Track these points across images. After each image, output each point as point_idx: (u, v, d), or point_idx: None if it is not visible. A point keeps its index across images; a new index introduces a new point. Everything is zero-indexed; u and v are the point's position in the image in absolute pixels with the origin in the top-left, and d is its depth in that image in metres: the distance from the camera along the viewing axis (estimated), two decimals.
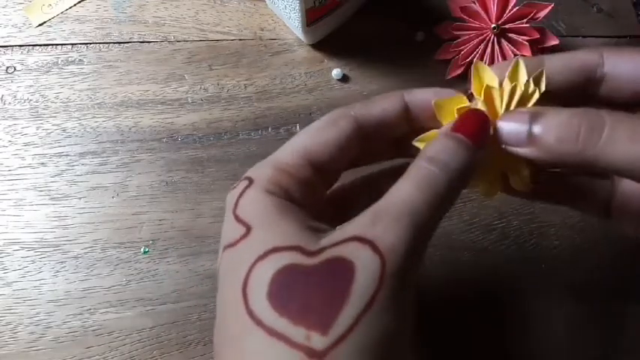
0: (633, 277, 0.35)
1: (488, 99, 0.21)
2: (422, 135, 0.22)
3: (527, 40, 0.36)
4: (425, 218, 0.18)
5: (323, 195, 0.23)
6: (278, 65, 0.39)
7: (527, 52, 0.36)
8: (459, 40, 0.38)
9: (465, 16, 0.37)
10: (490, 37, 0.37)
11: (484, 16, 0.37)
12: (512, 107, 0.21)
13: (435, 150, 0.19)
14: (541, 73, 0.21)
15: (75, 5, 0.40)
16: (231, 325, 0.18)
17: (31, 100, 0.37)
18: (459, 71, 0.38)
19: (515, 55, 0.37)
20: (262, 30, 0.40)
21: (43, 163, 0.36)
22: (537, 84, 0.21)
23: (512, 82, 0.21)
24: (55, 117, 0.37)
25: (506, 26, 0.36)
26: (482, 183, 0.22)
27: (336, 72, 0.39)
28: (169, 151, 0.36)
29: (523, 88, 0.21)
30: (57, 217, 0.34)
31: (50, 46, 0.39)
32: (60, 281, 0.33)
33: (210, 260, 0.34)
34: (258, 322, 0.17)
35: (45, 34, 0.39)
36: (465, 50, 0.37)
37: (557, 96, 0.22)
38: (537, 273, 0.35)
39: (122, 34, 0.40)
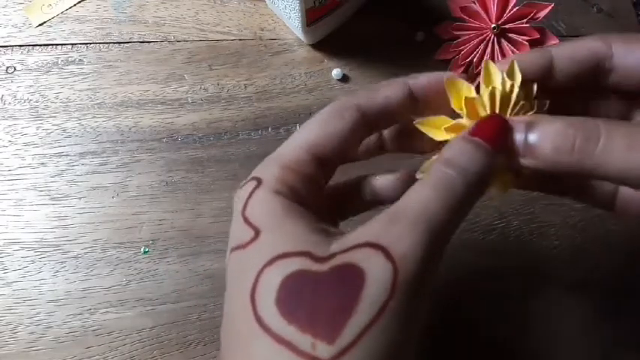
0: (633, 277, 0.35)
1: (471, 110, 0.21)
2: (425, 118, 0.21)
3: (527, 40, 0.36)
4: (442, 223, 0.17)
5: (324, 190, 0.23)
6: (278, 65, 0.39)
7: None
8: (459, 40, 0.38)
9: (465, 16, 0.37)
10: (490, 37, 0.37)
11: (484, 16, 0.37)
12: (497, 110, 0.21)
13: (453, 153, 0.19)
14: (512, 65, 0.21)
15: (75, 5, 0.40)
16: (239, 330, 0.17)
17: (31, 100, 0.37)
18: (459, 71, 0.38)
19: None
20: (262, 30, 0.40)
21: (43, 163, 0.36)
22: (512, 77, 0.21)
23: (487, 86, 0.21)
24: (55, 117, 0.37)
25: (506, 26, 0.36)
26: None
27: (336, 72, 0.39)
28: (169, 151, 0.36)
29: (500, 88, 0.20)
30: (57, 217, 0.34)
31: (50, 46, 0.39)
32: (60, 281, 0.33)
33: (210, 260, 0.34)
34: (266, 329, 0.16)
35: (45, 34, 0.39)
36: (465, 50, 0.37)
37: (555, 89, 0.22)
38: (537, 273, 0.35)
39: (122, 34, 0.40)
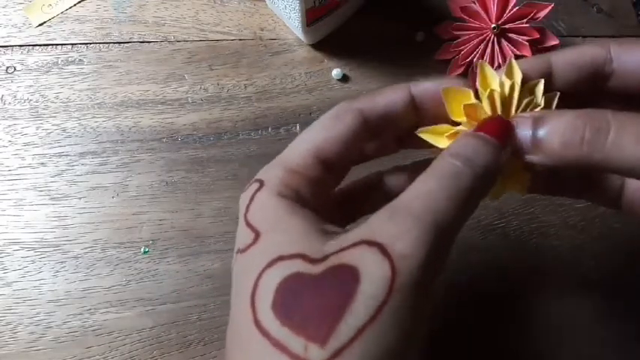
0: (633, 277, 0.35)
1: (472, 116, 0.21)
2: (427, 127, 0.21)
3: (527, 40, 0.36)
4: (448, 218, 0.16)
5: (332, 193, 0.23)
6: (278, 65, 0.39)
7: (528, 52, 0.36)
8: (459, 40, 0.38)
9: (465, 16, 0.37)
10: (490, 37, 0.37)
11: (484, 16, 0.37)
12: (499, 112, 0.21)
13: (459, 146, 0.18)
14: (510, 64, 0.21)
15: (75, 5, 0.40)
16: (240, 332, 0.18)
17: (31, 100, 0.37)
18: (459, 71, 0.38)
19: (516, 55, 0.37)
20: (262, 30, 0.40)
21: (43, 163, 0.36)
22: (511, 76, 0.21)
23: (485, 90, 0.21)
24: (55, 117, 0.37)
25: (506, 26, 0.36)
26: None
27: (336, 72, 0.39)
28: (169, 151, 0.36)
29: (499, 89, 0.20)
30: (57, 217, 0.34)
31: (50, 46, 0.39)
32: (60, 281, 0.33)
33: (210, 260, 0.34)
34: (264, 332, 0.16)
35: (45, 34, 0.39)
36: (465, 50, 0.37)
37: (563, 94, 0.22)
38: (538, 273, 0.35)
39: (122, 34, 0.40)
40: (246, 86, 0.39)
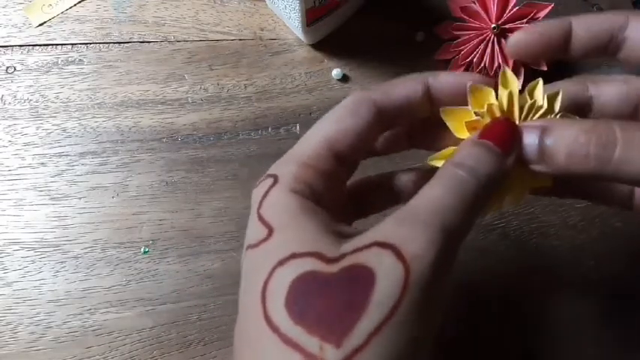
0: (633, 277, 0.35)
1: (492, 115, 0.21)
2: (437, 153, 0.21)
3: None
4: (456, 222, 0.17)
5: (344, 187, 0.23)
6: (278, 65, 0.39)
7: None
8: (459, 40, 0.38)
9: (465, 16, 0.37)
10: (490, 37, 0.37)
11: (484, 16, 0.37)
12: (515, 115, 0.20)
13: (462, 156, 0.19)
14: (557, 93, 0.21)
15: (75, 5, 0.40)
16: (249, 329, 0.17)
17: (31, 100, 0.37)
18: (459, 71, 0.38)
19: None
20: (262, 30, 0.40)
21: (43, 163, 0.36)
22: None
23: (506, 89, 0.21)
24: (55, 117, 0.37)
25: (506, 26, 0.36)
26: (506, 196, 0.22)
27: (336, 72, 0.39)
28: (169, 151, 0.36)
29: (517, 92, 0.20)
30: (57, 217, 0.34)
31: (50, 46, 0.39)
32: (60, 281, 0.33)
33: (210, 260, 0.34)
34: (275, 329, 0.16)
35: (45, 34, 0.39)
36: (465, 50, 0.37)
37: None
38: (538, 273, 0.35)
39: (122, 34, 0.40)
40: (246, 86, 0.39)
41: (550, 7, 0.35)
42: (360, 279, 0.16)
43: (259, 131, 0.37)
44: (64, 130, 0.37)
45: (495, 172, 0.18)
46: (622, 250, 0.35)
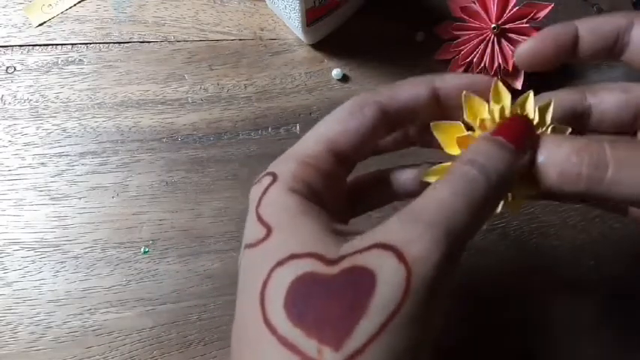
0: (633, 277, 0.35)
1: (484, 130, 0.21)
2: (432, 168, 0.21)
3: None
4: (462, 225, 0.17)
5: (344, 187, 0.22)
6: (278, 65, 0.39)
7: None
8: (459, 40, 0.38)
9: (465, 16, 0.37)
10: (490, 37, 0.37)
11: (484, 16, 0.37)
12: None
13: (474, 152, 0.18)
14: (548, 105, 0.20)
15: (75, 5, 0.40)
16: (247, 330, 0.17)
17: (31, 100, 0.37)
18: (459, 71, 0.38)
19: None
20: (262, 30, 0.40)
21: (43, 163, 0.36)
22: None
23: (497, 103, 0.20)
24: (55, 117, 0.37)
25: (506, 26, 0.36)
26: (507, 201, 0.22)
27: (336, 72, 0.39)
28: (169, 151, 0.36)
29: (509, 105, 0.20)
30: (57, 217, 0.34)
31: (50, 46, 0.39)
32: (60, 281, 0.33)
33: (210, 260, 0.34)
34: (273, 331, 0.16)
35: (45, 34, 0.39)
36: (465, 50, 0.37)
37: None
38: (538, 273, 0.35)
39: (122, 34, 0.40)
40: (246, 86, 0.39)
41: (550, 7, 0.35)
42: (361, 281, 0.16)
43: (259, 131, 0.37)
44: (64, 130, 0.37)
45: (508, 171, 0.18)
46: (622, 250, 0.35)
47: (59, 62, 0.39)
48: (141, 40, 0.40)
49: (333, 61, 0.40)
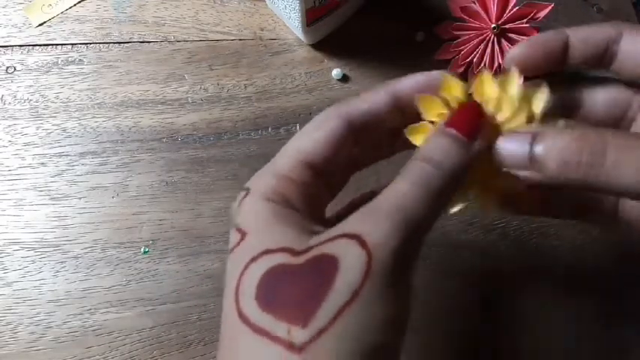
0: (633, 277, 0.35)
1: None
2: (412, 125, 0.21)
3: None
4: (418, 215, 0.18)
5: (324, 196, 0.23)
6: (278, 65, 0.39)
7: None
8: (459, 40, 0.38)
9: (465, 16, 0.37)
10: (490, 37, 0.37)
11: (484, 16, 0.37)
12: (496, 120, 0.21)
13: (429, 148, 0.19)
14: (511, 75, 0.21)
15: (75, 5, 0.40)
16: (227, 327, 0.18)
17: (31, 100, 0.37)
18: (459, 71, 0.38)
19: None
20: (262, 30, 0.40)
21: (43, 163, 0.36)
22: (506, 89, 0.21)
23: (481, 96, 0.21)
24: (55, 117, 0.37)
25: (506, 26, 0.36)
26: (479, 199, 0.22)
27: (336, 72, 0.39)
28: (169, 151, 0.36)
29: (494, 97, 0.20)
30: (57, 217, 0.34)
31: (50, 46, 0.39)
32: (60, 281, 0.33)
33: (210, 260, 0.34)
34: (246, 321, 0.17)
35: (45, 34, 0.39)
36: (465, 50, 0.37)
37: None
38: (538, 273, 0.35)
39: (122, 34, 0.40)
40: (246, 86, 0.39)
41: (550, 7, 0.35)
42: (325, 267, 0.17)
43: (259, 131, 0.37)
44: (64, 130, 0.37)
45: (460, 163, 0.19)
46: (622, 250, 0.35)
47: (59, 62, 0.39)
48: (141, 40, 0.40)
49: (333, 61, 0.40)
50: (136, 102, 0.38)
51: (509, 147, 0.19)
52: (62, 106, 0.37)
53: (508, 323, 0.34)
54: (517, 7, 0.36)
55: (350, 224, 0.18)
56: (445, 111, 0.21)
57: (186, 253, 0.34)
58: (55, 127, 0.37)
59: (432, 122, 0.21)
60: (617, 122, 0.23)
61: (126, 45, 0.39)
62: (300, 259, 0.18)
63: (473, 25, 0.37)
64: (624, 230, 0.24)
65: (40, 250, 0.34)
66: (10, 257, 0.33)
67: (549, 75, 0.22)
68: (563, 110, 0.23)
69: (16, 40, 0.39)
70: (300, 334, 0.16)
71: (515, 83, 0.21)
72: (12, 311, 0.32)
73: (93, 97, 0.38)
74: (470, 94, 0.21)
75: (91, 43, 0.39)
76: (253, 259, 0.18)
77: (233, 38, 0.40)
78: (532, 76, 0.22)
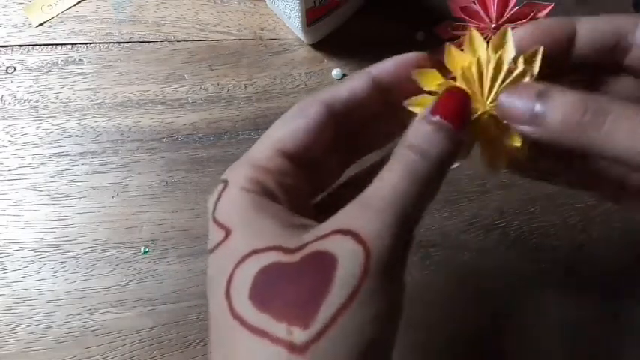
0: (633, 277, 0.35)
1: (467, 79, 0.21)
2: (414, 98, 0.21)
3: None
4: (410, 207, 0.18)
5: (304, 185, 0.22)
6: (278, 65, 0.39)
7: None
8: (459, 40, 0.38)
9: (465, 16, 0.37)
10: (490, 37, 0.37)
11: (484, 16, 0.37)
12: (487, 82, 0.20)
13: (415, 137, 0.19)
14: (536, 52, 0.20)
15: (75, 5, 0.40)
16: (220, 329, 0.18)
17: (31, 100, 0.37)
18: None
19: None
20: (262, 30, 0.40)
21: (43, 163, 0.36)
22: (530, 63, 0.20)
23: (495, 54, 0.20)
24: (55, 117, 0.37)
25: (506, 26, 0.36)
26: (486, 157, 0.21)
27: (336, 72, 0.39)
28: (169, 151, 0.36)
29: (485, 57, 0.20)
30: (57, 217, 0.34)
31: (50, 46, 0.39)
32: (60, 281, 0.33)
33: None
34: (242, 322, 0.17)
35: (45, 34, 0.39)
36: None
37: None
38: (537, 273, 0.35)
39: (122, 34, 0.40)
40: (246, 86, 0.39)
41: (550, 7, 0.35)
42: (323, 264, 0.17)
43: (259, 131, 0.37)
44: (64, 130, 0.37)
45: (447, 152, 0.19)
46: (622, 250, 0.35)
47: (59, 62, 0.39)
48: (141, 40, 0.40)
49: (333, 61, 0.40)
50: (136, 102, 0.38)
51: (513, 101, 0.19)
52: (62, 106, 0.37)
53: (508, 323, 0.33)
54: (517, 7, 0.36)
55: (342, 219, 0.18)
56: (444, 80, 0.21)
57: (186, 253, 0.34)
58: (55, 127, 0.37)
59: (430, 93, 0.21)
60: (609, 52, 0.22)
61: (126, 45, 0.39)
62: (295, 257, 0.17)
63: (473, 25, 0.37)
64: (625, 210, 0.24)
65: (40, 250, 0.34)
66: (10, 257, 0.33)
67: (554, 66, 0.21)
68: (559, 46, 0.22)
69: (16, 40, 0.39)
70: (301, 334, 0.16)
71: (511, 40, 0.20)
72: (12, 311, 0.32)
73: (93, 97, 0.38)
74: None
75: (91, 43, 0.39)
76: (242, 259, 0.18)
77: (233, 38, 0.40)
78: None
